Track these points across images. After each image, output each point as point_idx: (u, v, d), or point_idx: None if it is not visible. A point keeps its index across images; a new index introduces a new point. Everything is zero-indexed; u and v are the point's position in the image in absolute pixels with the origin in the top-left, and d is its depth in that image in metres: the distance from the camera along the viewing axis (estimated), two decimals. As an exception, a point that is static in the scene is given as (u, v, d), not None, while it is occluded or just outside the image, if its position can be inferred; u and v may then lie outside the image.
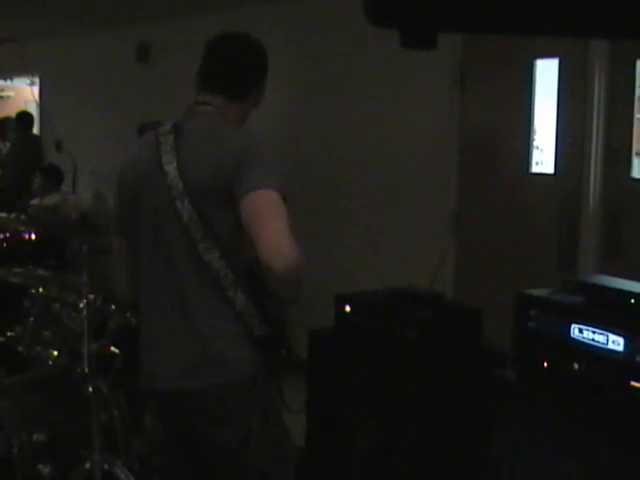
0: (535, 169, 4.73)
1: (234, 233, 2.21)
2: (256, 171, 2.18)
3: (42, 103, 8.92)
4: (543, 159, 4.68)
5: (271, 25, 6.24)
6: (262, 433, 2.36)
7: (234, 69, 2.46)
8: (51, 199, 5.94)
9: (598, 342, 2.71)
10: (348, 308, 3.72)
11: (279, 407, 2.51)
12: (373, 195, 5.67)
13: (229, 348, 2.28)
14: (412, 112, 5.40)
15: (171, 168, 2.26)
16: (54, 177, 6.45)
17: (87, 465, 3.30)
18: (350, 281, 5.07)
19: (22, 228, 4.66)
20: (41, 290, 3.79)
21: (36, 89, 9.12)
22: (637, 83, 4.20)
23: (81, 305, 3.36)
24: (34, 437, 3.30)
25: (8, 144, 8.69)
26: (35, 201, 5.88)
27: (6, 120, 9.06)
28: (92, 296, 3.38)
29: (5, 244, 4.72)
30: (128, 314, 3.69)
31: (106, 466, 3.30)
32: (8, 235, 4.74)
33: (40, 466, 3.22)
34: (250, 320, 2.25)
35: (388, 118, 5.55)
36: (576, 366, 2.79)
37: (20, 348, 3.76)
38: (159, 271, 2.37)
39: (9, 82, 10.27)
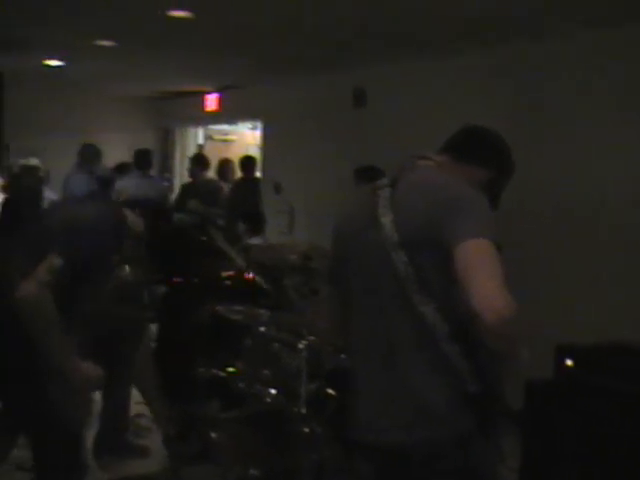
0: None
1: (448, 285, 2.14)
2: (468, 220, 2.12)
3: (263, 147, 9.29)
4: None
5: (482, 76, 6.22)
6: None
7: (471, 139, 2.53)
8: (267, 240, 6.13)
9: None
10: (570, 362, 3.57)
11: (495, 465, 2.42)
12: (595, 246, 5.47)
13: (442, 403, 2.22)
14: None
15: (386, 220, 2.26)
16: (256, 222, 6.66)
17: (298, 504, 3.35)
18: (569, 331, 4.89)
19: (243, 267, 4.82)
20: (262, 329, 3.90)
21: (258, 133, 9.51)
22: None
23: (300, 346, 3.43)
24: (249, 472, 3.37)
25: (229, 185, 9.10)
26: (255, 241, 6.09)
27: (227, 162, 9.50)
28: (312, 338, 3.44)
29: (228, 282, 4.90)
30: (343, 356, 3.72)
31: (315, 505, 3.34)
32: (230, 274, 4.92)
33: (252, 501, 3.27)
34: (464, 375, 2.19)
35: (615, 170, 5.37)
36: None
37: (240, 384, 3.88)
38: (370, 321, 2.36)
39: (233, 127, 10.79)
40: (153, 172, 8.64)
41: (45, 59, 7.72)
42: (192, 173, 8.79)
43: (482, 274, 2.03)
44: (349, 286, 2.44)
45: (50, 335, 2.85)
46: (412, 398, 2.23)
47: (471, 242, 2.08)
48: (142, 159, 7.77)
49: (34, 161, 6.76)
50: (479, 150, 2.49)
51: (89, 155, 7.46)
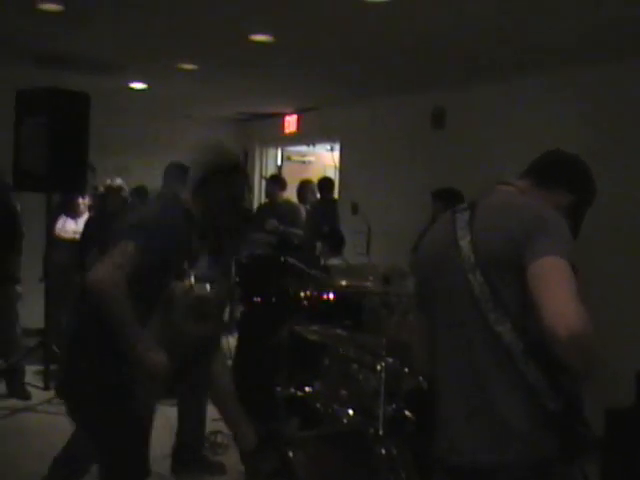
0: None
1: (524, 305, 2.16)
2: (544, 239, 2.15)
3: (341, 168, 9.34)
4: None
5: (564, 97, 6.16)
6: None
7: (553, 163, 2.54)
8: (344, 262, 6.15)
9: None
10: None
11: None
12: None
13: (523, 424, 2.21)
14: None
15: (464, 242, 2.30)
16: (335, 242, 6.68)
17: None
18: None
19: (322, 288, 4.85)
20: (341, 350, 3.92)
21: (336, 154, 9.57)
22: None
23: (378, 367, 3.45)
24: (325, 492, 3.39)
25: (308, 206, 9.16)
26: (334, 262, 6.12)
27: (307, 183, 9.58)
28: (390, 359, 3.45)
29: (306, 302, 4.94)
30: (420, 378, 3.72)
31: (393, 527, 3.33)
32: (309, 294, 4.96)
33: (330, 521, 3.28)
34: (543, 395, 2.18)
35: None
36: None
37: (318, 405, 3.91)
38: (453, 344, 2.38)
39: (312, 148, 10.87)
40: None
41: (130, 82, 7.94)
42: (269, 193, 8.87)
43: (555, 290, 2.06)
44: (434, 311, 2.47)
45: (119, 316, 2.84)
46: (494, 419, 2.25)
47: (547, 259, 2.11)
48: None
49: (119, 181, 6.92)
50: (561, 175, 2.50)
51: (175, 174, 7.60)
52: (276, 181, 8.97)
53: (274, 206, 8.68)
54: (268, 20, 5.28)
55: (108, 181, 6.78)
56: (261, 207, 9.34)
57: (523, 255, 2.15)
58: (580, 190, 2.49)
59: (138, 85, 8.06)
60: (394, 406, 3.60)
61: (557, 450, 2.22)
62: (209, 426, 5.34)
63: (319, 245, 7.02)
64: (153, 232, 2.94)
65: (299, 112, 9.93)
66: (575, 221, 2.47)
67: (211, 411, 5.54)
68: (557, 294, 2.04)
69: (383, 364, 3.43)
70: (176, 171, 7.55)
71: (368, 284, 3.88)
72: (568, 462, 2.28)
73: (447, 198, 5.83)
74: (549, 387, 2.18)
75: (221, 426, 5.41)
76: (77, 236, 7.04)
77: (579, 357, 2.04)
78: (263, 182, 10.64)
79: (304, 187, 9.35)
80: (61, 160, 6.36)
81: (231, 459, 5.02)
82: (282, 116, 10.18)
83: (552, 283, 2.07)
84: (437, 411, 2.47)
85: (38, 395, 6.47)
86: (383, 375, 3.42)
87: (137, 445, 3.15)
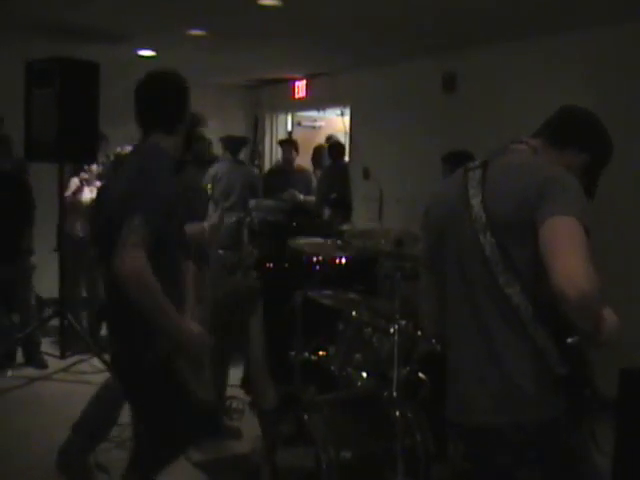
0: None
1: (535, 268, 2.14)
2: (558, 199, 2.13)
3: (351, 132, 9.30)
4: None
5: (578, 58, 6.10)
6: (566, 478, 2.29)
7: (567, 121, 2.49)
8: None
9: None
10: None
11: (590, 451, 2.38)
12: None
13: (532, 386, 2.23)
14: None
15: (476, 202, 2.29)
16: (342, 208, 6.67)
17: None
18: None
19: (336, 252, 4.85)
20: (355, 314, 3.93)
21: (346, 119, 9.52)
22: None
23: (392, 331, 3.46)
24: (341, 454, 3.41)
25: (319, 172, 9.14)
26: (348, 226, 6.12)
27: (320, 148, 9.55)
28: (403, 322, 3.47)
29: (318, 267, 4.96)
30: (434, 341, 3.73)
31: (408, 490, 3.37)
32: (321, 259, 4.97)
33: (345, 483, 3.31)
34: (551, 358, 2.19)
35: None
36: None
37: (332, 368, 3.93)
38: (463, 305, 2.38)
39: (322, 113, 10.82)
40: (243, 158, 8.72)
41: (139, 50, 7.90)
42: (287, 159, 8.76)
43: (565, 250, 2.04)
44: (444, 270, 2.46)
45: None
46: (502, 381, 2.26)
47: (558, 219, 2.09)
48: (233, 145, 7.86)
49: (129, 149, 6.90)
50: (574, 133, 2.46)
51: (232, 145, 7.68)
52: (292, 146, 8.88)
53: (289, 173, 8.63)
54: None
55: (118, 149, 6.76)
56: (273, 172, 9.30)
57: (535, 216, 2.13)
58: (593, 149, 2.45)
59: (146, 53, 8.02)
60: (408, 369, 3.62)
61: (564, 412, 2.24)
62: (226, 392, 5.39)
63: (327, 211, 7.01)
64: (144, 194, 2.81)
65: (309, 77, 9.87)
66: (589, 181, 2.44)
67: (229, 376, 5.61)
68: (567, 255, 2.03)
69: (397, 327, 3.45)
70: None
71: (380, 247, 3.87)
72: (576, 424, 2.29)
73: (458, 161, 5.78)
74: (557, 351, 2.18)
75: (237, 392, 5.49)
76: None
77: (587, 318, 2.04)
78: (274, 148, 10.64)
79: (319, 152, 9.32)
80: (72, 130, 6.36)
81: (247, 424, 5.08)
82: (292, 81, 10.12)
83: (562, 244, 2.06)
84: (448, 372, 2.48)
85: (54, 364, 6.54)
86: (397, 338, 3.44)
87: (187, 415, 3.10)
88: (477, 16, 5.94)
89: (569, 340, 2.17)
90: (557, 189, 2.16)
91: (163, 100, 3.08)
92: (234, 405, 5.41)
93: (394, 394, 3.45)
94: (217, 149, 7.62)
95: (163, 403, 2.99)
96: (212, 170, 6.93)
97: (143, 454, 3.23)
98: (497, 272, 2.21)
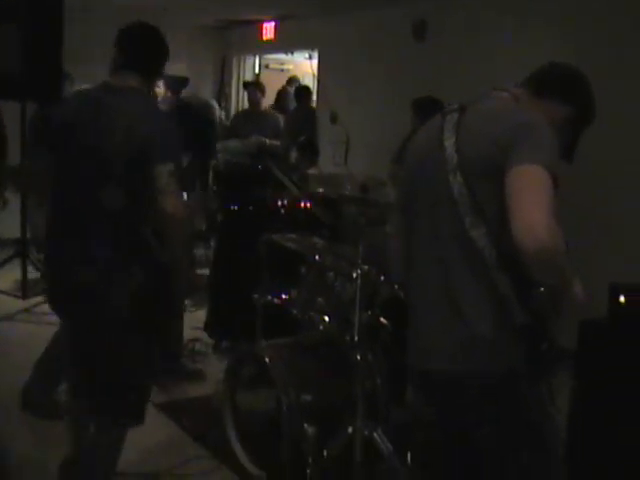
0: None
1: (501, 213, 2.08)
2: (527, 146, 2.09)
3: (319, 76, 9.22)
4: None
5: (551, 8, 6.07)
6: (523, 431, 2.30)
7: (553, 73, 2.47)
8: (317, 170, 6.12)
9: None
10: (623, 299, 3.53)
11: (544, 402, 2.37)
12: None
13: (490, 334, 2.21)
14: None
15: (449, 143, 2.26)
16: (310, 152, 6.63)
17: (349, 430, 3.41)
18: (625, 270, 4.85)
19: (300, 196, 4.84)
20: (317, 258, 3.93)
21: (314, 63, 9.44)
22: None
23: (354, 275, 3.46)
24: (302, 397, 3.44)
25: (282, 115, 9.05)
26: (312, 171, 6.09)
27: (286, 91, 9.46)
28: (366, 267, 3.47)
29: (283, 211, 4.94)
30: (396, 286, 3.75)
31: (366, 432, 3.40)
32: (286, 203, 4.95)
33: (305, 426, 3.33)
34: (511, 306, 2.16)
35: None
36: None
37: (294, 311, 3.94)
38: (428, 250, 2.36)
39: (290, 56, 10.72)
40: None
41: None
42: (252, 101, 8.64)
43: (528, 200, 2.00)
44: (415, 213, 2.45)
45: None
46: (462, 328, 2.24)
47: (524, 167, 2.06)
48: (174, 85, 7.77)
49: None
50: (558, 85, 2.42)
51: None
52: (257, 87, 8.77)
53: (256, 115, 8.53)
54: None
55: (83, 87, 6.64)
56: (240, 115, 9.19)
57: (503, 161, 2.10)
58: (576, 102, 2.41)
59: (113, -7, 7.86)
60: (370, 313, 3.64)
61: (522, 362, 2.23)
62: (188, 334, 5.40)
63: (294, 154, 6.96)
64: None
65: (277, 20, 9.74)
66: (571, 138, 2.42)
67: (190, 319, 5.62)
68: (529, 205, 1.99)
69: (359, 272, 3.45)
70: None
71: (345, 192, 3.86)
72: (533, 376, 2.28)
73: (426, 108, 5.78)
74: (518, 300, 2.16)
75: (200, 334, 5.51)
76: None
77: (546, 270, 2.02)
78: (241, 90, 10.51)
79: (283, 95, 9.23)
80: (36, 67, 6.22)
81: (210, 367, 5.11)
82: (260, 23, 9.98)
83: (526, 193, 2.02)
84: (410, 318, 2.48)
85: (16, 305, 6.49)
86: (359, 282, 3.44)
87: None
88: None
89: (534, 291, 2.16)
90: (528, 135, 2.13)
91: (154, 48, 3.19)
92: (197, 348, 5.43)
93: (355, 338, 3.47)
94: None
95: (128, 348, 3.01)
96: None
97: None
98: (463, 213, 2.19)
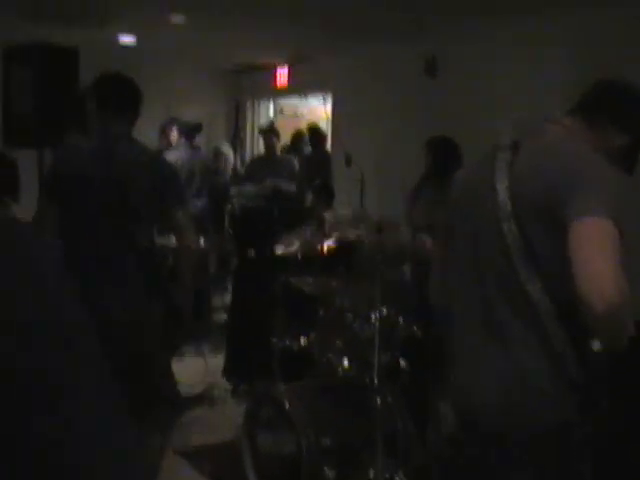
0: None
1: (560, 265, 1.94)
2: (590, 195, 1.94)
3: (333, 119, 9.28)
4: None
5: (562, 43, 6.09)
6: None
7: (605, 96, 2.28)
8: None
9: None
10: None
11: (586, 463, 2.20)
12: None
13: (547, 389, 2.08)
14: None
15: (502, 187, 2.11)
16: (325, 195, 6.66)
17: (370, 473, 3.38)
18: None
19: (316, 239, 4.82)
20: (335, 300, 3.93)
21: (328, 107, 9.50)
22: None
23: (373, 316, 3.45)
24: (322, 440, 3.41)
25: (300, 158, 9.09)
26: (329, 213, 6.10)
27: (299, 134, 9.50)
28: (384, 308, 3.46)
29: (300, 254, 4.92)
30: (415, 327, 3.74)
31: (387, 475, 3.37)
32: (304, 246, 4.92)
33: (326, 469, 3.31)
34: (568, 362, 2.03)
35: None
36: None
37: (313, 355, 3.93)
38: (473, 288, 2.24)
39: (304, 100, 10.79)
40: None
41: (118, 36, 7.84)
42: (269, 146, 8.65)
43: (594, 255, 1.87)
44: (457, 248, 2.33)
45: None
46: (517, 380, 2.12)
47: (589, 220, 1.91)
48: (187, 131, 7.84)
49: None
50: (612, 112, 2.24)
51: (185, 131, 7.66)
52: (273, 133, 8.80)
53: (272, 160, 8.56)
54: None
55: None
56: (255, 160, 9.22)
57: (563, 212, 1.95)
58: (634, 128, 2.24)
59: (127, 39, 7.98)
60: (389, 355, 3.62)
61: (575, 417, 2.10)
62: (206, 380, 5.39)
63: (309, 197, 7.00)
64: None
65: (291, 64, 9.83)
66: (630, 163, 2.26)
67: (208, 364, 5.60)
68: (596, 262, 1.85)
69: (377, 313, 3.44)
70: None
71: (361, 234, 3.87)
72: (585, 431, 2.15)
73: (439, 147, 5.80)
74: (575, 355, 2.04)
75: (218, 380, 5.49)
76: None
77: (612, 329, 1.90)
78: (256, 135, 10.57)
79: (298, 138, 9.27)
80: (52, 116, 6.29)
81: (228, 412, 5.08)
82: (274, 68, 10.08)
83: (592, 249, 1.88)
84: (452, 355, 2.35)
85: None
86: (377, 324, 3.43)
87: None
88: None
89: (594, 348, 2.06)
90: (590, 183, 1.97)
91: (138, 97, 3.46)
92: (215, 393, 5.41)
93: (375, 380, 3.45)
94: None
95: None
96: (171, 157, 6.83)
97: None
98: (517, 265, 2.05)
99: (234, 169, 8.60)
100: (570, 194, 1.96)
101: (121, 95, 3.38)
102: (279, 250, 4.83)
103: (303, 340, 4.06)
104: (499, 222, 2.09)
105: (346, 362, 3.80)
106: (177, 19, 6.90)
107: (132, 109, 3.35)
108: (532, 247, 2.05)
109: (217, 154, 8.46)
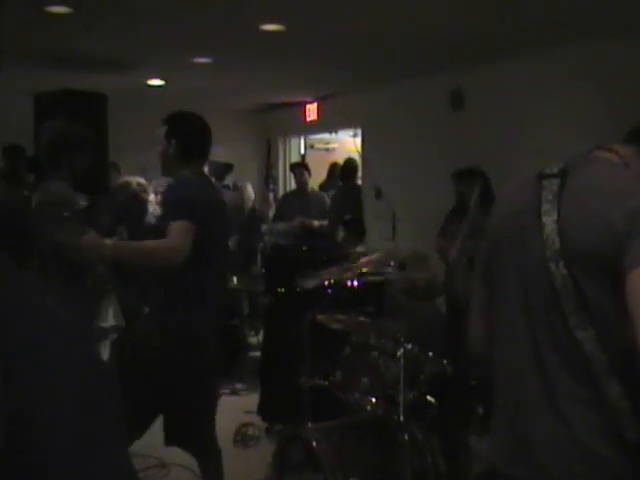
0: None
1: (615, 313, 1.78)
2: None
3: (363, 153, 9.31)
4: None
5: (587, 75, 6.06)
6: None
7: None
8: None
9: None
10: None
11: None
12: None
13: (602, 447, 1.86)
14: None
15: (549, 221, 1.90)
16: (356, 230, 6.65)
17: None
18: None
19: (347, 276, 4.80)
20: (361, 338, 3.91)
21: (358, 140, 9.53)
22: None
23: (398, 354, 3.42)
24: (350, 480, 3.38)
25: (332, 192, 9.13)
26: (359, 249, 6.09)
27: (335, 167, 9.60)
28: (409, 345, 3.43)
29: (330, 290, 4.89)
30: (445, 361, 3.69)
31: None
32: (332, 282, 4.91)
33: (356, 510, 3.27)
34: (623, 418, 1.82)
35: None
36: None
37: (340, 393, 3.90)
38: (519, 333, 2.01)
39: (334, 135, 10.85)
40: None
41: (146, 79, 7.96)
42: (301, 182, 8.70)
43: None
44: (500, 286, 2.10)
45: None
46: (572, 441, 1.90)
47: None
48: (217, 170, 7.95)
49: (138, 179, 6.93)
50: None
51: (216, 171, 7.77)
52: (304, 168, 8.85)
53: (304, 196, 8.61)
54: (276, 9, 5.25)
55: (129, 178, 6.80)
56: (288, 196, 9.28)
57: (621, 256, 1.76)
58: None
59: (155, 82, 8.08)
60: (415, 392, 3.58)
61: (630, 477, 1.89)
62: (241, 418, 5.38)
63: (340, 233, 7.00)
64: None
65: (319, 100, 9.90)
66: None
67: (244, 403, 5.60)
68: None
69: (402, 350, 3.41)
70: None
71: (388, 270, 3.85)
72: None
73: (466, 178, 5.79)
74: (631, 411, 1.83)
75: (253, 418, 5.47)
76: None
77: None
78: (287, 172, 10.64)
79: (334, 170, 9.33)
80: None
81: (262, 451, 5.05)
82: (303, 104, 10.16)
83: None
84: (496, 406, 2.15)
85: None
86: (403, 361, 3.40)
87: None
88: (483, 34, 5.93)
89: None
90: None
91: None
92: (250, 432, 5.39)
93: (400, 417, 3.41)
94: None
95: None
96: None
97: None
98: (567, 310, 1.84)
99: (253, 208, 8.65)
100: (628, 236, 1.76)
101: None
102: (308, 287, 4.82)
103: (331, 378, 4.03)
104: (546, 260, 1.88)
105: (373, 400, 3.76)
106: (203, 61, 6.98)
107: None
108: (584, 291, 1.83)
109: (235, 189, 8.57)
